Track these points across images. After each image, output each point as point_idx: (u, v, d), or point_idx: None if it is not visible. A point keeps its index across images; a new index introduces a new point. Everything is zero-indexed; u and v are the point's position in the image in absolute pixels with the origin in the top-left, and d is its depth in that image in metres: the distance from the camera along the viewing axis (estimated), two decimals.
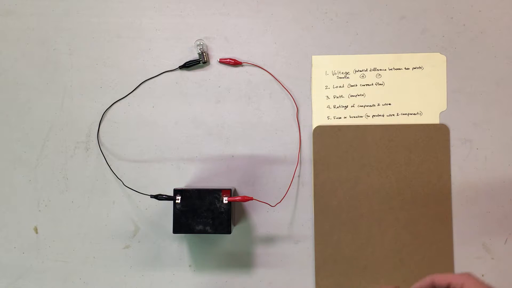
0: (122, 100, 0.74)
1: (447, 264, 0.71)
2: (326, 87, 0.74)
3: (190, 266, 0.73)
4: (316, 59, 0.74)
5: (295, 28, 0.74)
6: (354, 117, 0.73)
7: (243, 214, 0.73)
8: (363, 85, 0.74)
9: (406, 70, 0.74)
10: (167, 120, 0.74)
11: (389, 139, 0.73)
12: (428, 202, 0.72)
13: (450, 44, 0.73)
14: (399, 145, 0.72)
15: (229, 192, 0.65)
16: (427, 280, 0.51)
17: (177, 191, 0.65)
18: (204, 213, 0.65)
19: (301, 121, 0.73)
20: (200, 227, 0.65)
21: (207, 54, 0.74)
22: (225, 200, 0.65)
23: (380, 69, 0.74)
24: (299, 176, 0.73)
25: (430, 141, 0.72)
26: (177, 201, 0.65)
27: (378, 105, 0.74)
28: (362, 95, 0.74)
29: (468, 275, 0.49)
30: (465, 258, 0.71)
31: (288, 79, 0.74)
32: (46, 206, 0.74)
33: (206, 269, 0.73)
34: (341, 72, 0.74)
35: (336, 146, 0.72)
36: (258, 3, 0.74)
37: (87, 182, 0.74)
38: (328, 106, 0.74)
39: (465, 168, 0.72)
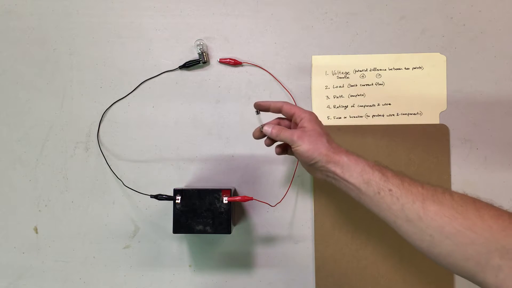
0: (122, 100, 0.74)
1: None
2: (326, 87, 0.74)
3: (190, 266, 0.73)
4: (316, 59, 0.74)
5: (295, 28, 0.74)
6: (354, 117, 0.73)
7: (243, 214, 0.73)
8: (363, 85, 0.74)
9: (406, 70, 0.74)
10: (167, 120, 0.74)
11: (389, 139, 0.73)
12: None
13: (450, 44, 0.73)
14: (399, 145, 0.72)
15: (229, 192, 0.65)
16: (278, 103, 0.60)
17: (177, 191, 0.65)
18: (204, 213, 0.65)
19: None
20: (200, 227, 0.65)
21: (207, 54, 0.74)
22: (225, 200, 0.65)
23: (380, 69, 0.74)
24: (299, 176, 0.73)
25: (430, 141, 0.72)
26: (177, 201, 0.65)
27: (378, 105, 0.74)
28: (362, 95, 0.74)
29: (310, 112, 0.59)
30: None
31: (288, 79, 0.74)
32: (46, 206, 0.74)
33: (206, 269, 0.73)
34: (341, 72, 0.74)
35: None
36: (258, 3, 0.74)
37: (87, 182, 0.74)
38: (328, 106, 0.74)
39: (465, 168, 0.72)
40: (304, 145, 0.55)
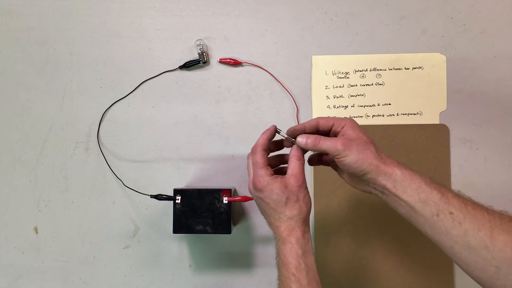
0: (122, 100, 0.74)
1: (447, 264, 0.71)
2: (326, 87, 0.74)
3: (190, 266, 0.73)
4: (316, 59, 0.74)
5: (295, 28, 0.74)
6: (354, 117, 0.73)
7: (243, 214, 0.73)
8: (363, 85, 0.74)
9: (406, 70, 0.74)
10: (167, 120, 0.74)
11: (389, 139, 0.73)
12: None
13: (450, 44, 0.73)
14: (399, 145, 0.72)
15: (229, 192, 0.65)
16: (313, 121, 0.53)
17: (177, 191, 0.65)
18: (204, 213, 0.65)
19: (301, 121, 0.73)
20: (200, 227, 0.65)
21: (207, 54, 0.74)
22: (225, 200, 0.65)
23: (380, 69, 0.74)
24: None
25: (430, 141, 0.72)
26: (177, 201, 0.65)
27: (378, 105, 0.74)
28: (362, 95, 0.74)
29: (350, 119, 0.52)
30: None
31: (288, 79, 0.74)
32: (46, 206, 0.74)
33: (206, 269, 0.73)
34: (341, 72, 0.74)
35: None
36: (258, 3, 0.74)
37: (87, 182, 0.74)
38: (328, 106, 0.74)
39: (465, 168, 0.72)
40: (352, 155, 0.48)
